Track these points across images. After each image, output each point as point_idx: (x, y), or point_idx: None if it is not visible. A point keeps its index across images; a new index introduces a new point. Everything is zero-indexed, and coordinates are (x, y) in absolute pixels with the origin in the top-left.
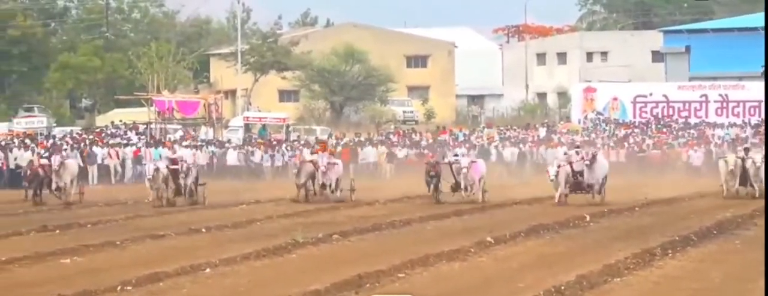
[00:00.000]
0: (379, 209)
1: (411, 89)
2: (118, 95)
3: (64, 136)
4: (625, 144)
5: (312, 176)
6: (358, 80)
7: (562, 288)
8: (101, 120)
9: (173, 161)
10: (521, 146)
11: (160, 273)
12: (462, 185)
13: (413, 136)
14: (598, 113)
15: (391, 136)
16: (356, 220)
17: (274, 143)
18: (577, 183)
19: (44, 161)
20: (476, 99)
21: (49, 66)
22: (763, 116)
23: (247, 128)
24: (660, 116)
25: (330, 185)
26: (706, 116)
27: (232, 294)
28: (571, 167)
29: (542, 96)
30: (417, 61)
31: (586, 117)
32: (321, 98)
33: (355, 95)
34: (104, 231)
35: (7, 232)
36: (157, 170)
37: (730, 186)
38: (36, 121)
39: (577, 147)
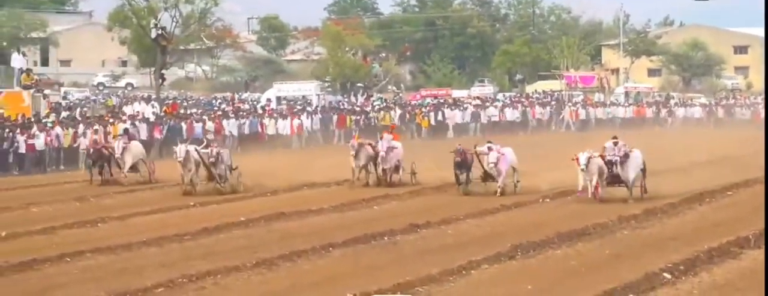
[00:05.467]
0: None
1: (736, 69)
2: (540, 72)
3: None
4: None
5: (372, 160)
6: (701, 62)
7: None
8: (529, 88)
9: (205, 147)
10: None
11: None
12: (494, 176)
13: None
14: None
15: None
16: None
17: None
18: (613, 176)
19: (111, 142)
20: None
21: (494, 53)
22: None
23: (626, 94)
24: None
25: (389, 169)
26: None
27: (523, 228)
28: (603, 158)
29: None
30: (741, 49)
31: None
32: (676, 74)
33: (699, 72)
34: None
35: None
36: (188, 152)
37: None
38: (486, 89)
39: (615, 138)
